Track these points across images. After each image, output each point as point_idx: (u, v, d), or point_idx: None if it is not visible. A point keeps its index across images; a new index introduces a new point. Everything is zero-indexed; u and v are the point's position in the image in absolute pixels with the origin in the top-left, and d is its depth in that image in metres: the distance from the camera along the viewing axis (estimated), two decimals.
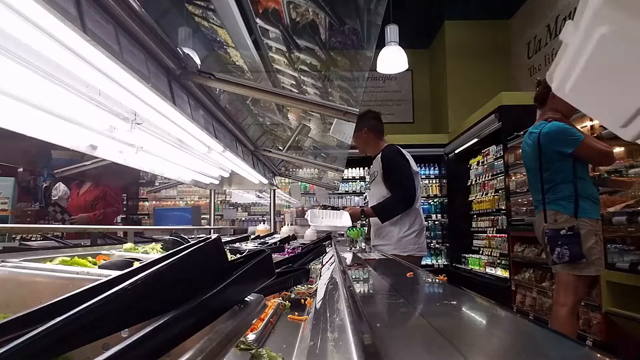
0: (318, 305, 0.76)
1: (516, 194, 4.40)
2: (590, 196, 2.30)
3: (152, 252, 1.25)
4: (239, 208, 7.14)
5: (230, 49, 2.39)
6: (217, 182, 2.90)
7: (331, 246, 1.95)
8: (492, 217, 5.34)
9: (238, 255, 0.44)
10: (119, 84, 1.06)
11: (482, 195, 5.58)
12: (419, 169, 2.72)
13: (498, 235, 5.13)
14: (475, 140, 5.48)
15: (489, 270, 5.23)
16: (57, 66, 0.94)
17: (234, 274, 0.35)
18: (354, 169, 6.81)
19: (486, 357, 0.50)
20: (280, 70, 2.74)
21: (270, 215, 4.12)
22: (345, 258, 1.61)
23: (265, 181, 3.40)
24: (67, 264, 0.84)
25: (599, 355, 0.48)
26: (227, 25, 2.13)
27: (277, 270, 0.45)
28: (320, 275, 1.13)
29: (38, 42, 0.82)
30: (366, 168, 6.64)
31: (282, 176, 4.45)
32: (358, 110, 1.79)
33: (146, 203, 7.33)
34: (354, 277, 1.16)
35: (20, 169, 3.65)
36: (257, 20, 2.23)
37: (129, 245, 1.28)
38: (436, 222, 6.44)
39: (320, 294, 0.86)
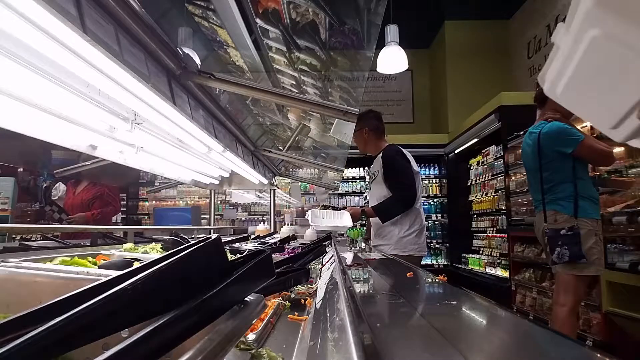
0: (318, 305, 0.76)
1: (516, 194, 4.41)
2: (590, 196, 2.30)
3: (152, 252, 1.25)
4: (239, 208, 7.14)
5: (230, 49, 2.39)
6: (217, 182, 2.90)
7: (331, 246, 1.95)
8: (492, 217, 5.34)
9: (238, 255, 0.44)
10: (119, 84, 1.06)
11: (482, 195, 5.58)
12: (419, 169, 2.72)
13: (498, 235, 5.13)
14: (475, 140, 5.48)
15: (489, 270, 5.23)
16: (57, 66, 0.94)
17: (234, 274, 0.35)
18: (354, 169, 6.81)
19: (486, 357, 0.50)
20: (280, 70, 2.74)
21: (270, 215, 4.12)
22: (345, 258, 1.61)
23: (265, 181, 3.40)
24: (67, 264, 0.84)
25: (599, 355, 0.48)
26: (227, 25, 2.13)
27: (277, 270, 0.45)
28: (320, 275, 1.13)
29: (38, 42, 0.82)
30: (366, 168, 6.64)
31: (282, 176, 4.45)
32: (358, 110, 1.79)
33: (146, 203, 7.33)
34: (354, 277, 1.16)
35: (20, 169, 3.64)
36: (257, 20, 2.23)
37: (129, 245, 1.28)
38: (436, 222, 6.44)
39: (320, 294, 0.86)
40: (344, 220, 2.58)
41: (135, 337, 0.23)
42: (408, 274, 1.20)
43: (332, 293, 0.81)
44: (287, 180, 5.29)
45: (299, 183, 5.74)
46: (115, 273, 0.38)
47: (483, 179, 5.54)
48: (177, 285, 0.31)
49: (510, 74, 6.24)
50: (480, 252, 5.59)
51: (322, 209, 2.91)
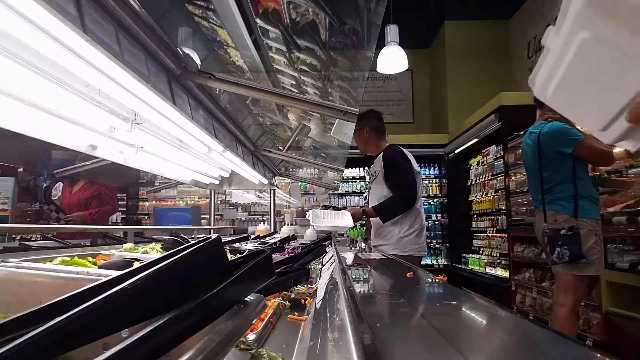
0: (318, 305, 0.76)
1: (516, 194, 4.41)
2: (590, 196, 2.30)
3: (152, 252, 1.25)
4: (239, 208, 7.14)
5: (230, 49, 2.38)
6: (217, 182, 2.90)
7: (331, 246, 1.95)
8: (492, 217, 5.34)
9: (238, 255, 0.44)
10: (119, 84, 1.06)
11: (482, 195, 5.58)
12: (420, 169, 2.72)
13: (498, 235, 5.13)
14: (475, 140, 5.48)
15: (489, 270, 5.24)
16: (57, 66, 0.94)
17: (234, 274, 0.35)
18: (354, 169, 6.81)
19: (486, 357, 0.50)
20: (280, 70, 2.74)
21: (270, 215, 4.12)
22: (345, 258, 1.61)
23: (265, 181, 3.40)
24: (67, 264, 0.84)
25: (599, 355, 0.48)
26: (227, 25, 2.13)
27: (277, 270, 0.45)
28: (320, 275, 1.13)
29: (38, 42, 0.82)
30: (366, 168, 6.64)
31: (282, 176, 4.45)
32: (358, 110, 1.79)
33: (146, 203, 7.33)
34: (354, 277, 1.16)
35: (20, 169, 3.64)
36: (257, 20, 2.23)
37: (129, 245, 1.28)
38: (436, 222, 6.44)
39: (320, 294, 0.86)
40: (345, 220, 2.58)
41: (135, 337, 0.23)
42: (408, 274, 1.20)
43: (332, 293, 0.81)
44: (287, 180, 5.29)
45: (299, 183, 5.74)
46: (115, 273, 0.38)
47: (483, 179, 5.54)
48: (177, 285, 0.31)
49: (510, 74, 6.24)
50: (480, 252, 5.59)
51: (323, 209, 2.91)
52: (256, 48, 2.44)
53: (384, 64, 4.04)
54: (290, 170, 4.74)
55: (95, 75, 0.99)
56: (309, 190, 6.66)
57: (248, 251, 0.54)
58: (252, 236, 2.46)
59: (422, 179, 2.79)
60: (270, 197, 4.10)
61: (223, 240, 1.40)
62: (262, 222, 4.39)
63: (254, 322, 0.42)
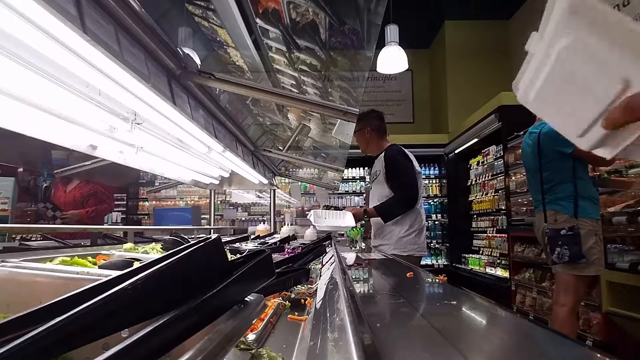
0: (318, 305, 0.76)
1: (516, 194, 4.41)
2: (590, 196, 2.30)
3: (152, 252, 1.25)
4: (239, 208, 7.14)
5: (230, 49, 2.38)
6: (217, 182, 2.90)
7: (331, 246, 1.95)
8: (492, 217, 5.34)
9: (238, 255, 0.44)
10: (119, 84, 1.06)
11: (482, 195, 5.58)
12: (420, 169, 2.73)
13: (498, 235, 5.14)
14: (475, 140, 5.48)
15: (489, 270, 5.24)
16: (57, 66, 0.94)
17: (234, 274, 0.35)
18: (354, 169, 6.81)
19: (486, 357, 0.50)
20: (280, 70, 2.74)
21: (270, 215, 4.12)
22: (345, 258, 1.61)
23: (265, 181, 3.40)
24: (67, 264, 0.84)
25: (599, 355, 0.48)
26: (227, 25, 2.13)
27: (277, 270, 0.45)
28: (320, 275, 1.13)
29: (38, 42, 0.82)
30: (366, 168, 6.64)
31: (282, 176, 4.45)
32: (358, 110, 1.79)
33: (146, 203, 7.33)
34: (354, 277, 1.16)
35: (20, 169, 3.65)
36: (257, 20, 2.23)
37: (129, 245, 1.28)
38: (436, 222, 6.44)
39: (320, 294, 0.86)
40: (346, 220, 2.58)
41: (135, 337, 0.23)
42: (408, 274, 1.20)
43: (332, 293, 0.81)
44: (287, 180, 5.29)
45: (299, 183, 5.74)
46: (115, 273, 0.38)
47: (483, 179, 5.54)
48: (177, 285, 0.31)
49: (510, 74, 6.17)
50: (480, 252, 5.59)
51: (324, 209, 2.91)
52: (256, 48, 2.44)
53: (384, 64, 4.04)
54: (290, 170, 4.74)
55: (95, 75, 0.99)
56: (309, 190, 6.66)
57: (248, 251, 0.54)
58: (252, 236, 2.46)
59: (422, 179, 2.79)
60: (270, 197, 4.10)
61: (223, 240, 1.40)
62: (262, 222, 4.39)
63: (254, 322, 0.42)
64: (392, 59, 3.97)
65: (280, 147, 3.49)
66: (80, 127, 1.28)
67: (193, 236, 2.12)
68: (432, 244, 6.34)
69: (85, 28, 0.88)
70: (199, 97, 1.78)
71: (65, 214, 3.29)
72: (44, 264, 0.77)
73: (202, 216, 4.94)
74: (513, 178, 4.48)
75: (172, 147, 1.74)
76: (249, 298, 0.38)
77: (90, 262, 0.88)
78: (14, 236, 2.10)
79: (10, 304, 0.59)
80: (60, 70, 0.97)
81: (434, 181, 6.64)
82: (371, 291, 0.97)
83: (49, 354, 0.23)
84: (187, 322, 0.28)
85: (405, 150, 2.66)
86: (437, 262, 6.40)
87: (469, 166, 6.17)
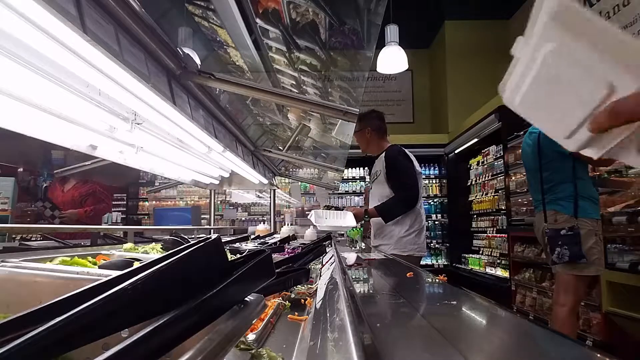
0: (318, 305, 0.76)
1: (516, 194, 4.41)
2: (590, 196, 2.30)
3: (152, 252, 1.25)
4: (239, 208, 7.14)
5: (230, 49, 2.38)
6: (217, 182, 2.90)
7: (331, 246, 1.95)
8: (492, 217, 5.34)
9: (238, 255, 0.44)
10: (119, 84, 1.06)
11: (482, 195, 5.58)
12: (420, 169, 2.73)
13: (498, 235, 5.14)
14: (475, 140, 5.48)
15: (489, 270, 5.24)
16: (57, 66, 0.94)
17: (234, 274, 0.35)
18: (354, 169, 6.81)
19: (486, 357, 0.50)
20: (280, 70, 2.74)
21: (270, 215, 4.12)
22: (345, 258, 1.61)
23: (265, 181, 3.40)
24: (67, 264, 0.84)
25: (599, 355, 0.48)
26: (227, 25, 2.13)
27: (277, 270, 0.45)
28: (320, 275, 1.13)
29: (38, 42, 0.82)
30: (366, 168, 6.64)
31: (282, 176, 4.45)
32: (358, 110, 1.79)
33: (146, 203, 7.33)
34: (354, 277, 1.16)
35: (20, 169, 3.65)
36: (257, 20, 2.23)
37: (129, 245, 1.28)
38: (436, 222, 6.44)
39: (320, 294, 0.86)
40: (347, 220, 2.58)
41: (135, 337, 0.23)
42: (408, 274, 1.20)
43: (332, 293, 0.81)
44: (287, 180, 5.28)
45: (299, 183, 5.74)
46: (115, 273, 0.38)
47: (483, 179, 5.54)
48: (177, 285, 0.31)
49: None
50: (480, 252, 5.59)
51: (325, 209, 2.91)
52: (256, 48, 2.44)
53: (384, 64, 4.04)
54: (290, 170, 4.74)
55: (95, 75, 0.99)
56: (309, 190, 6.66)
57: (248, 251, 0.54)
58: (252, 236, 2.46)
59: (422, 179, 2.79)
60: (270, 197, 4.10)
61: (223, 240, 1.40)
62: (262, 222, 4.39)
63: (254, 322, 0.42)
64: (392, 59, 3.97)
65: (280, 147, 3.49)
66: (80, 127, 1.28)
67: (193, 236, 2.12)
68: (432, 244, 6.34)
69: (85, 28, 0.88)
70: (199, 97, 1.78)
71: (63, 213, 3.29)
72: (44, 264, 0.77)
73: (202, 216, 4.94)
74: (513, 178, 4.48)
75: (172, 147, 1.74)
76: (249, 298, 0.38)
77: (90, 262, 0.88)
78: (14, 236, 2.10)
79: (10, 304, 0.59)
80: (60, 70, 0.97)
81: (434, 181, 6.64)
82: (371, 291, 0.97)
83: (49, 354, 0.23)
84: (187, 322, 0.28)
85: (405, 150, 2.67)
86: (437, 262, 6.39)
87: (469, 166, 6.17)
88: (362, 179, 6.78)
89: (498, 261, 5.04)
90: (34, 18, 0.76)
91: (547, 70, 0.43)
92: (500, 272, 4.89)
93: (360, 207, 2.95)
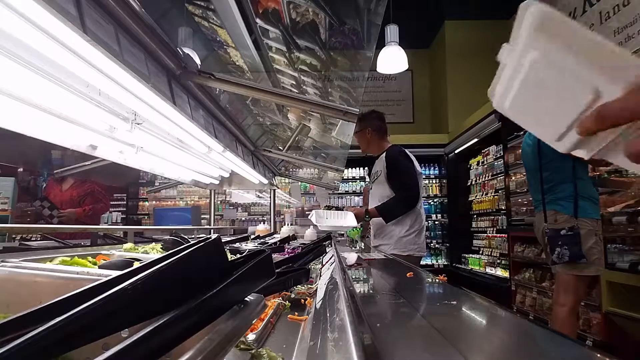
0: (318, 305, 0.76)
1: (516, 194, 4.41)
2: (590, 196, 2.30)
3: (152, 252, 1.25)
4: (239, 208, 7.14)
5: (230, 49, 2.39)
6: (217, 182, 2.90)
7: (331, 246, 1.95)
8: (492, 217, 5.34)
9: (238, 255, 0.44)
10: (119, 84, 1.06)
11: (482, 195, 5.58)
12: (420, 169, 2.73)
13: (498, 235, 5.13)
14: (475, 140, 5.48)
15: (489, 270, 5.24)
16: (57, 66, 0.94)
17: (234, 274, 0.35)
18: (354, 169, 6.81)
19: (486, 357, 0.50)
20: (280, 70, 2.74)
21: (270, 215, 4.12)
22: (345, 258, 1.61)
23: (265, 181, 3.40)
24: (67, 264, 0.84)
25: (599, 355, 0.48)
26: (227, 25, 2.13)
27: (277, 270, 0.45)
28: (320, 275, 1.13)
29: (38, 42, 0.82)
30: (366, 168, 6.64)
31: (282, 176, 4.45)
32: (358, 110, 1.79)
33: (146, 203, 7.33)
34: (354, 277, 1.16)
35: (20, 169, 3.65)
36: (257, 20, 2.23)
37: (129, 245, 1.28)
38: (436, 222, 6.44)
39: (320, 294, 0.86)
40: (348, 220, 2.59)
41: (135, 337, 0.23)
42: (408, 274, 1.20)
43: (332, 293, 0.81)
44: (287, 180, 5.28)
45: (299, 183, 5.74)
46: (115, 273, 0.38)
47: (483, 179, 5.54)
48: (177, 285, 0.31)
49: None
50: (480, 252, 5.59)
51: (326, 209, 2.92)
52: (256, 48, 2.44)
53: (384, 64, 4.04)
54: (290, 170, 4.74)
55: (95, 75, 0.99)
56: (309, 190, 6.66)
57: (248, 251, 0.54)
58: (252, 236, 2.46)
59: (423, 179, 2.80)
60: (270, 197, 4.10)
61: (223, 240, 1.40)
62: (262, 222, 4.39)
63: (254, 322, 0.42)
64: (392, 59, 3.97)
65: (280, 147, 3.49)
66: (80, 127, 1.28)
67: (193, 236, 2.12)
68: (432, 244, 6.34)
69: (85, 28, 0.88)
70: (199, 97, 1.78)
71: (62, 213, 3.30)
72: (44, 264, 0.77)
73: (202, 216, 4.94)
74: (513, 178, 4.48)
75: (172, 147, 1.74)
76: (249, 298, 0.38)
77: (90, 262, 0.88)
78: (14, 236, 2.10)
79: (10, 304, 0.59)
80: (60, 70, 0.97)
81: (434, 181, 6.64)
82: (371, 291, 0.97)
83: (49, 354, 0.23)
84: (187, 322, 0.28)
85: (406, 150, 2.67)
86: (437, 262, 6.39)
87: (469, 166, 6.17)
88: (362, 179, 6.77)
89: (498, 261, 5.04)
90: (34, 18, 0.76)
91: (534, 74, 0.44)
92: (500, 272, 4.89)
93: (360, 207, 2.95)
